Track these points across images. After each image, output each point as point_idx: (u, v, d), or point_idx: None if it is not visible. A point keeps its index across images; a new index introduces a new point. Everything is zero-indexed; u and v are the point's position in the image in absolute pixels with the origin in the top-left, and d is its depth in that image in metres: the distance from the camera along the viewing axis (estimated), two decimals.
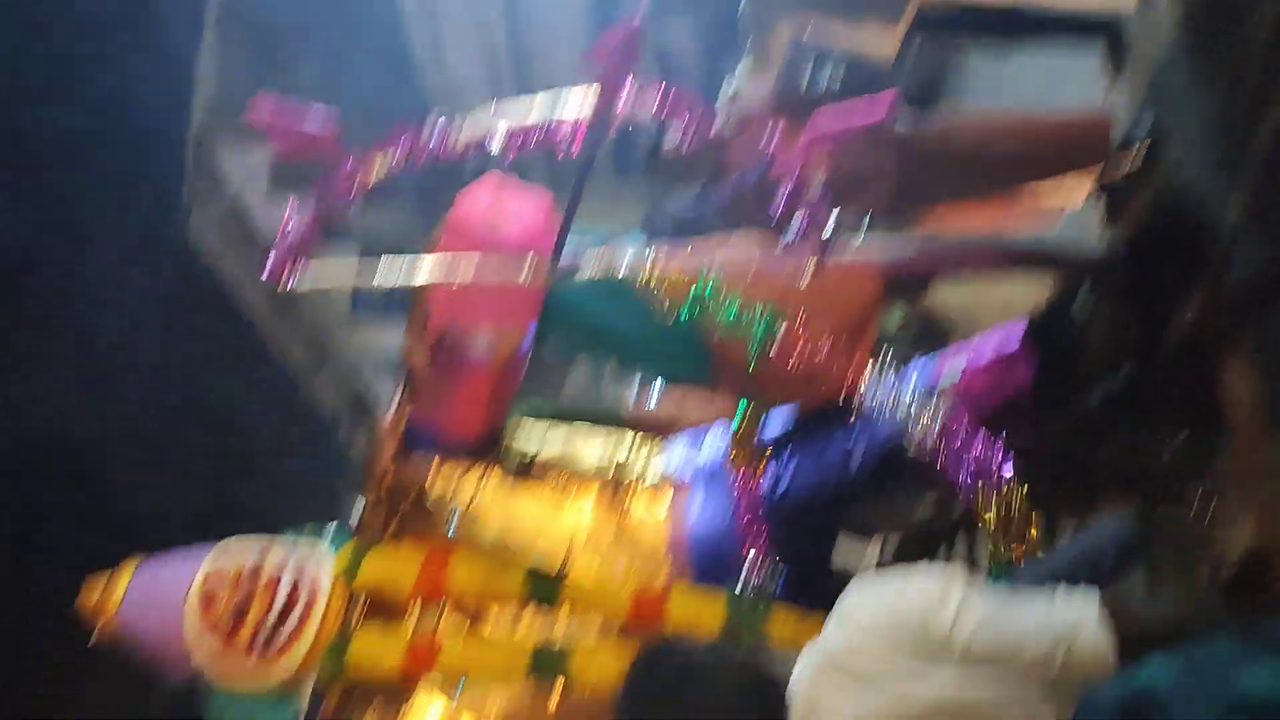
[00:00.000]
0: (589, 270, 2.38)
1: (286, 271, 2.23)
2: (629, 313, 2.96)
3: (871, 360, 2.58)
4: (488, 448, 3.08)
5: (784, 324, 2.54)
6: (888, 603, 1.61)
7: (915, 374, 2.86)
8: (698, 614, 2.78)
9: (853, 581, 1.70)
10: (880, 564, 3.62)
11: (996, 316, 3.06)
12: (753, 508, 2.91)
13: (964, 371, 2.82)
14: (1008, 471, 2.44)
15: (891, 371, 2.54)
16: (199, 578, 2.82)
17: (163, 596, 2.85)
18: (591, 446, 3.22)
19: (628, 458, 3.17)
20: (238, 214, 11.31)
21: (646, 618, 2.78)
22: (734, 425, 3.09)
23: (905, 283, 3.07)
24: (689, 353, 3.00)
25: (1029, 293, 3.15)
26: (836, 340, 2.56)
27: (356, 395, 13.79)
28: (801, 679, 1.68)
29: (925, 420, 2.47)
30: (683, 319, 2.54)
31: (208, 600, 2.79)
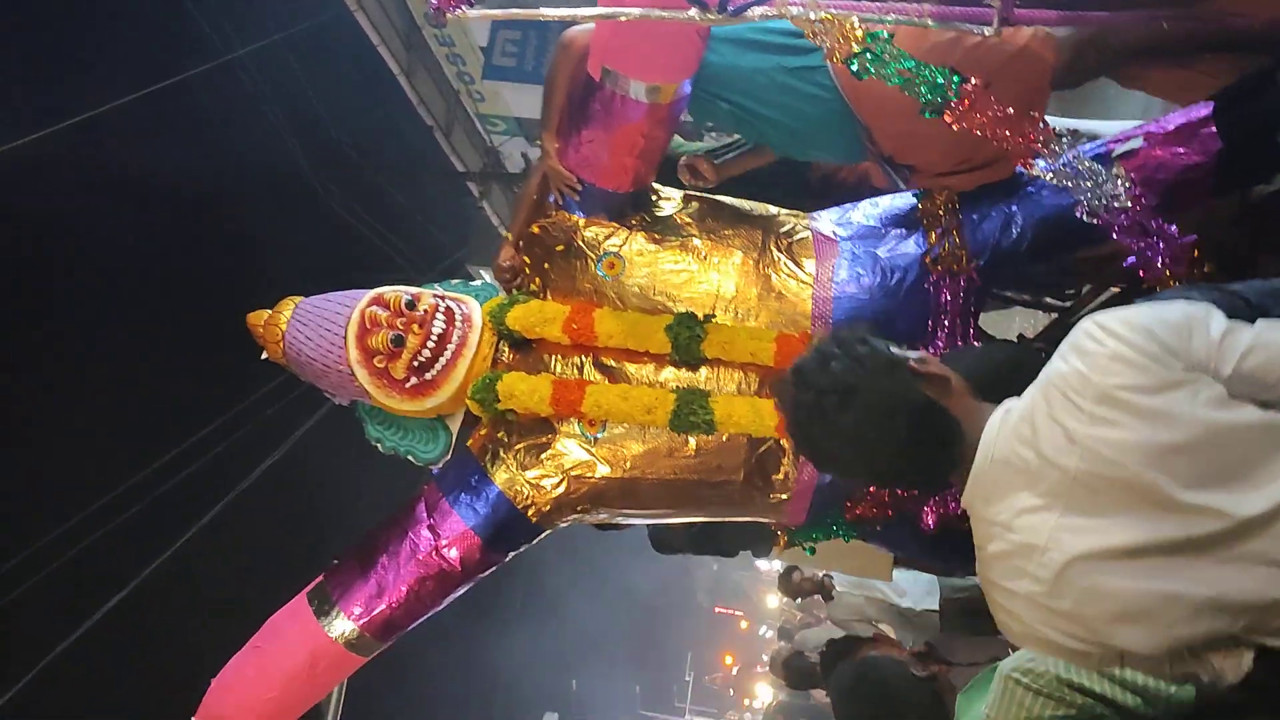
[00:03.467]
0: (757, 15, 2.26)
1: (453, 4, 2.19)
2: (781, 88, 2.87)
3: (1045, 128, 2.44)
4: (636, 201, 3.07)
5: (960, 86, 2.41)
6: (1145, 323, 1.51)
7: (1089, 143, 2.72)
8: None
9: (1085, 318, 1.57)
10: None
11: None
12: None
13: (1146, 136, 2.66)
14: (1184, 238, 2.35)
15: (1067, 138, 2.41)
16: (358, 310, 2.97)
17: (325, 325, 3.01)
18: (740, 206, 3.17)
19: (777, 218, 3.13)
20: None
21: (788, 362, 2.81)
22: (919, 194, 3.02)
23: (1078, 62, 2.87)
24: (839, 130, 2.92)
25: None
26: (1012, 106, 2.43)
27: (489, 151, 13.95)
28: (1010, 417, 1.61)
29: (1102, 186, 2.36)
30: (852, 68, 2.43)
31: (367, 330, 2.94)
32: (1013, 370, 1.82)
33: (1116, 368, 1.49)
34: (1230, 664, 1.48)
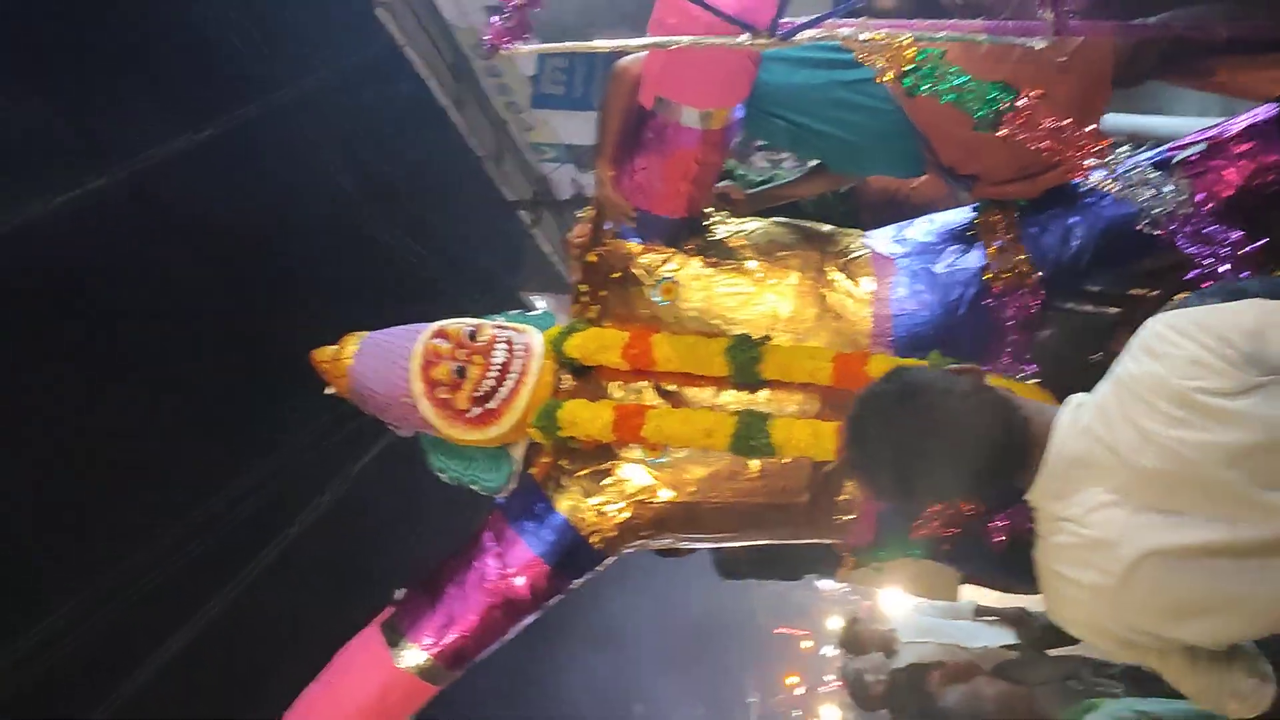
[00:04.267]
0: (808, 37, 2.27)
1: (507, 40, 2.22)
2: (837, 103, 2.87)
3: (1103, 137, 2.42)
4: (691, 226, 3.08)
5: (1014, 98, 2.40)
6: (1221, 327, 1.51)
7: (1150, 151, 2.69)
8: None
9: (1154, 318, 1.59)
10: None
11: None
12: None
13: (1210, 141, 2.62)
14: (1251, 244, 2.31)
15: (1125, 148, 2.39)
16: (420, 343, 3.02)
17: (389, 359, 3.06)
18: (795, 227, 3.17)
19: (832, 237, 3.12)
20: None
21: (848, 383, 2.80)
22: (979, 206, 3.00)
23: (1139, 61, 2.84)
24: (897, 142, 2.91)
25: None
26: (1068, 117, 2.41)
27: (538, 179, 14.09)
28: (1081, 414, 1.62)
29: (1163, 195, 2.33)
30: (905, 86, 2.43)
31: (430, 362, 2.98)
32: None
33: (1195, 370, 1.50)
34: None
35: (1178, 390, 1.51)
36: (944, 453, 1.64)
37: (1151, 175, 2.37)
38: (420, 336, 3.03)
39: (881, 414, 1.67)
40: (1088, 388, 1.69)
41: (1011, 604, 4.65)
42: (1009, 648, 4.53)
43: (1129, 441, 1.55)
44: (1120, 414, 1.57)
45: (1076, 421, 1.63)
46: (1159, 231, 2.40)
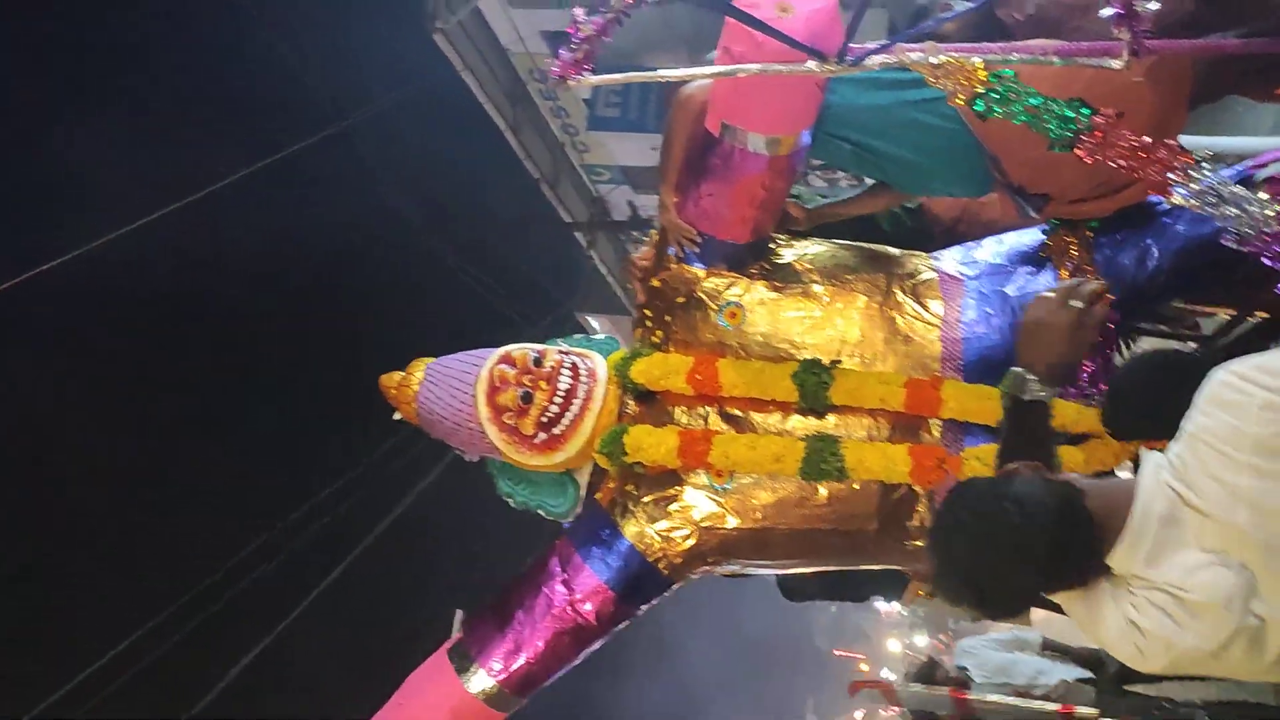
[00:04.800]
0: (876, 63, 2.25)
1: (575, 72, 2.23)
2: (904, 123, 2.84)
3: (1183, 154, 2.36)
4: (755, 251, 3.06)
5: (1090, 117, 2.35)
6: None
7: (1228, 169, 2.63)
8: (973, 405, 2.74)
9: (1217, 370, 1.56)
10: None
11: None
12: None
13: None
14: None
15: (1207, 165, 2.33)
16: (486, 369, 3.03)
17: (455, 385, 3.08)
18: (861, 250, 3.15)
19: (899, 259, 3.09)
20: (479, 24, 11.60)
21: (918, 408, 2.77)
22: (1050, 227, 2.95)
23: (1217, 78, 2.78)
24: (965, 161, 2.88)
25: None
26: (1145, 135, 2.36)
27: (594, 201, 14.19)
28: (1162, 475, 1.60)
29: (1248, 212, 2.27)
30: (977, 109, 2.39)
31: (496, 388, 2.99)
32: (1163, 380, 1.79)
33: (1269, 416, 1.47)
34: None
35: (1255, 438, 1.47)
36: (1013, 567, 1.62)
37: (1235, 192, 2.31)
38: (486, 362, 3.05)
39: (947, 547, 1.68)
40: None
41: (1083, 639, 4.55)
42: (1083, 681, 4.43)
43: (1217, 498, 1.51)
44: (1201, 470, 1.53)
45: (1159, 483, 1.59)
46: (1245, 249, 2.34)
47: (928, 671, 4.97)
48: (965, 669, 4.81)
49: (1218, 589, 1.51)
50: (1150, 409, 1.71)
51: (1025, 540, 1.59)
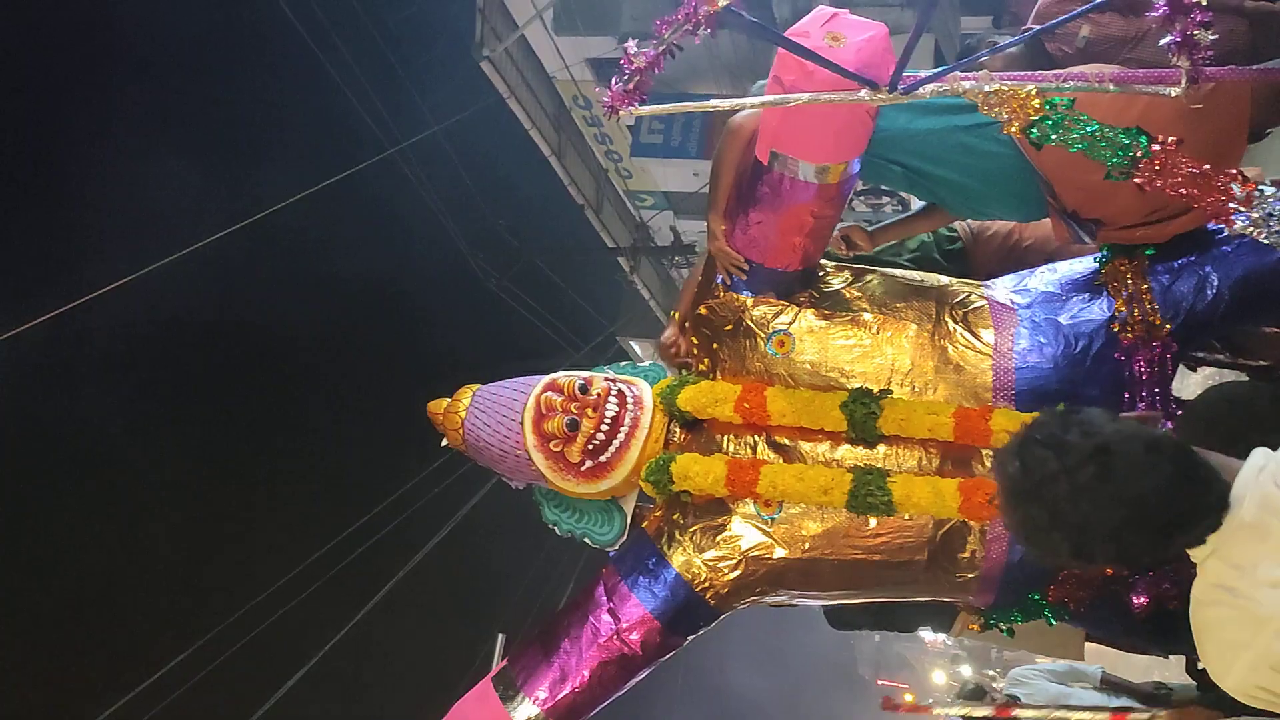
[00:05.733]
0: (929, 92, 2.24)
1: (627, 100, 2.24)
2: (956, 147, 2.82)
3: (1244, 181, 2.32)
4: (804, 279, 3.05)
5: (1148, 145, 2.32)
6: None
7: None
8: None
9: None
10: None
11: None
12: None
13: None
14: None
15: (1270, 193, 2.28)
16: (533, 396, 3.04)
17: (502, 412, 3.09)
18: (911, 277, 3.12)
19: (950, 287, 3.06)
20: (525, 52, 11.73)
21: (968, 438, 2.72)
22: (1105, 255, 2.92)
23: (1276, 104, 2.73)
24: (1018, 186, 2.85)
25: None
26: (1205, 162, 2.32)
27: (638, 226, 14.24)
28: (1264, 479, 1.51)
29: None
30: (1033, 137, 2.37)
31: (542, 415, 2.99)
32: (1235, 409, 1.72)
33: None
34: None
35: None
36: (1140, 514, 1.50)
37: None
38: (532, 390, 3.05)
39: (1069, 474, 1.52)
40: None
41: (1142, 673, 4.44)
42: None
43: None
44: None
45: (1259, 484, 1.51)
46: None
47: (976, 694, 4.86)
48: (1016, 697, 4.69)
49: None
50: (1224, 443, 1.63)
51: (1160, 491, 1.49)
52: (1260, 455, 1.56)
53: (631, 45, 2.18)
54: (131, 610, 13.95)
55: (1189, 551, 1.57)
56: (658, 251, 14.08)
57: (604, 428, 2.95)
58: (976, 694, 4.75)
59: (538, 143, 12.26)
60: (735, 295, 3.08)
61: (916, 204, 3.39)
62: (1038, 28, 2.69)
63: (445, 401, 3.23)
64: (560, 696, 2.95)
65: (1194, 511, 1.53)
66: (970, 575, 2.85)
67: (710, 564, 2.93)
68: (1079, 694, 4.27)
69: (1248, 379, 3.31)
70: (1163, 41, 2.03)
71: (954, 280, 3.11)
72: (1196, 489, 1.52)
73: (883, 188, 10.89)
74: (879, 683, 34.86)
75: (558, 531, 3.20)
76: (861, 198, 11.86)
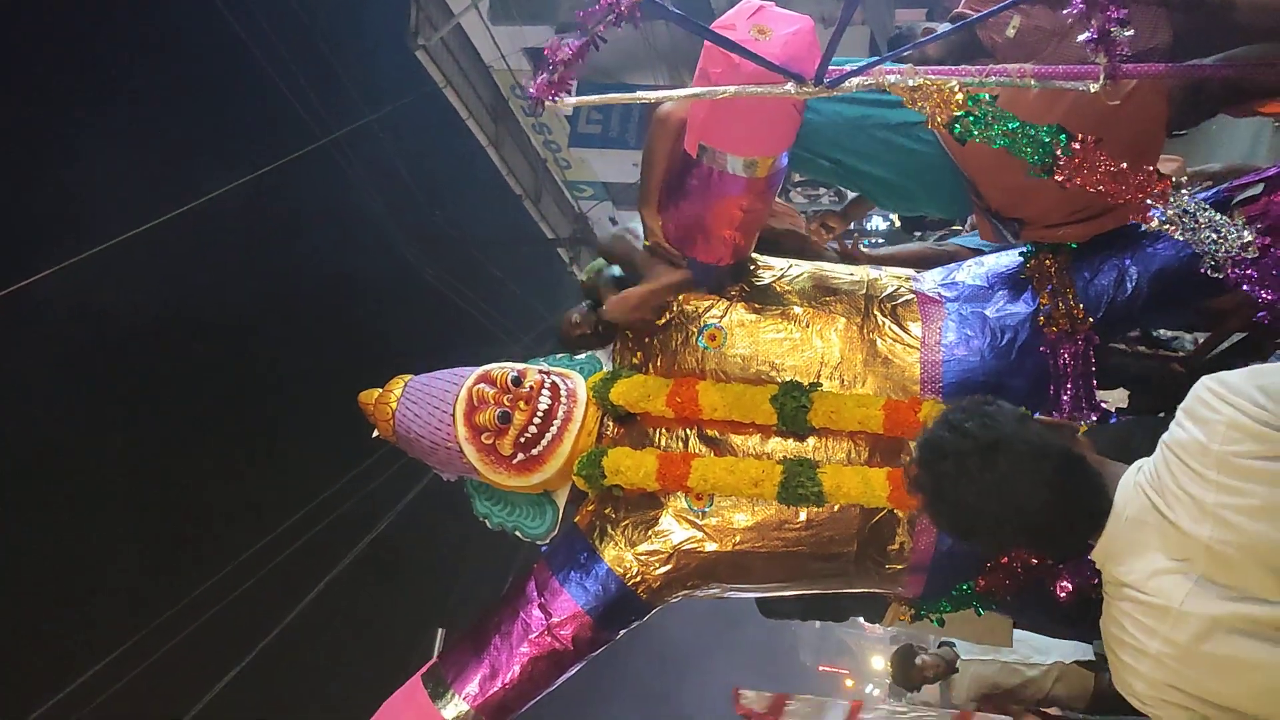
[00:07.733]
0: (855, 85, 2.24)
1: (551, 92, 2.21)
2: (884, 144, 2.84)
3: (1161, 179, 2.36)
4: (736, 272, 3.05)
5: (1068, 142, 2.35)
6: (1260, 389, 1.48)
7: (1205, 194, 2.63)
8: None
9: (1200, 381, 1.58)
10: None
11: None
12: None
13: (1267, 180, 2.55)
14: None
15: (1184, 190, 2.33)
16: (465, 388, 2.99)
17: (433, 403, 3.04)
18: (839, 271, 3.14)
19: (878, 281, 3.08)
20: (461, 41, 11.61)
21: (897, 430, 2.75)
22: (1030, 249, 2.95)
23: (1193, 103, 2.79)
24: (943, 184, 2.87)
25: None
26: (1124, 157, 2.36)
27: (577, 217, 14.20)
28: (1141, 479, 1.61)
29: (1225, 236, 2.27)
30: (955, 133, 2.38)
31: (474, 407, 2.96)
32: (1142, 438, 1.80)
33: (1235, 435, 1.48)
34: None
35: (1219, 456, 1.49)
36: (1019, 510, 1.64)
37: (1213, 217, 2.31)
38: (465, 381, 3.01)
39: (957, 458, 1.67)
40: None
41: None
42: (1083, 665, 4.42)
43: (1187, 510, 1.52)
44: (1173, 482, 1.55)
45: (1137, 484, 1.62)
46: (1222, 274, 2.34)
47: (907, 653, 4.95)
48: (951, 643, 4.77)
49: (1174, 593, 1.53)
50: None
51: (1042, 495, 1.63)
52: (1140, 462, 1.66)
53: (554, 38, 2.15)
54: (75, 599, 13.71)
55: (1091, 556, 1.66)
56: (597, 243, 14.05)
57: (536, 421, 2.92)
58: (908, 653, 4.83)
59: (475, 132, 12.17)
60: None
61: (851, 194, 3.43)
62: (973, 16, 2.71)
63: (377, 392, 3.18)
64: (491, 693, 2.92)
65: (1072, 517, 1.66)
66: (900, 567, 2.88)
67: (642, 558, 2.92)
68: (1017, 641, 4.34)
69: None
70: (1080, 37, 2.05)
71: (884, 273, 3.14)
72: (1077, 497, 1.65)
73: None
74: (820, 669, 35.28)
75: (489, 525, 3.16)
76: (798, 188, 11.94)
